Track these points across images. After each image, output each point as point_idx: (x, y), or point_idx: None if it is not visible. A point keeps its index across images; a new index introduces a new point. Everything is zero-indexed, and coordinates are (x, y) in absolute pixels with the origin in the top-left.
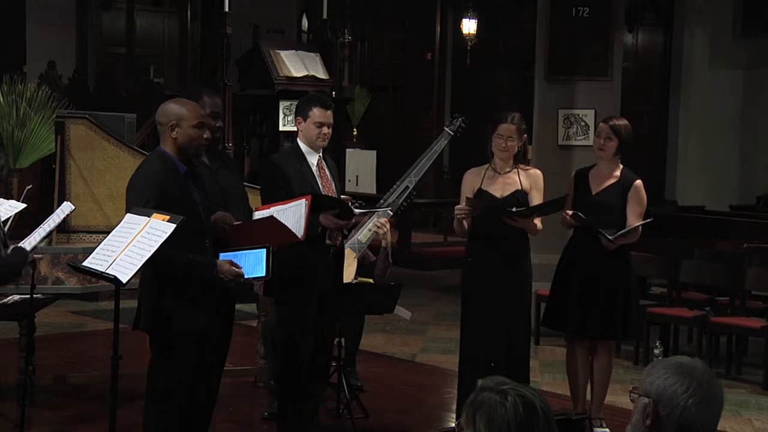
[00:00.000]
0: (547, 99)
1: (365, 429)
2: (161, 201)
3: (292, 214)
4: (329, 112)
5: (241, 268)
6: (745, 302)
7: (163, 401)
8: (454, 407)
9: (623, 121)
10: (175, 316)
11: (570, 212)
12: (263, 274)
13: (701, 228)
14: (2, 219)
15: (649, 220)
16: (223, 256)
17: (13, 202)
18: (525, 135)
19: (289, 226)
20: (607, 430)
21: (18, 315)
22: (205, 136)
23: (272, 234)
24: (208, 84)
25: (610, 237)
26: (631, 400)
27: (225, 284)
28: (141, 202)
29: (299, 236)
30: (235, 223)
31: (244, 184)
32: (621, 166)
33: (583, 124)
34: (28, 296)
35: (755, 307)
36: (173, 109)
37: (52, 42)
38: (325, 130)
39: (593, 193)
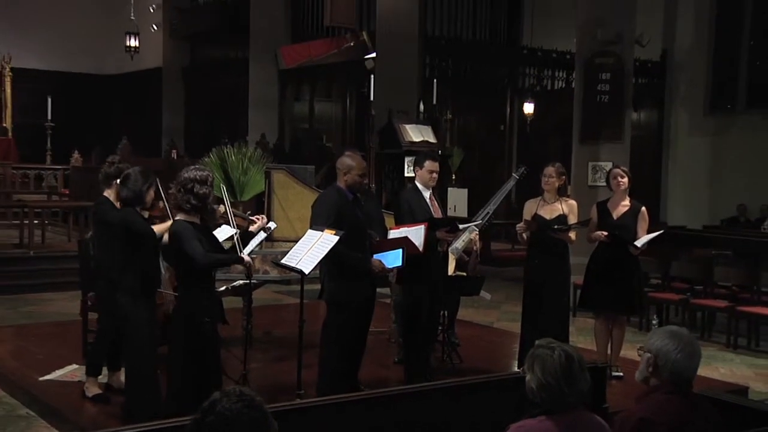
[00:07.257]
0: (581, 155)
1: (461, 369)
2: (338, 217)
3: (415, 234)
4: (437, 163)
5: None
6: (713, 290)
7: (334, 347)
8: (517, 357)
9: (626, 167)
10: (345, 290)
11: (605, 233)
12: (401, 263)
13: (684, 240)
14: (224, 238)
15: (661, 231)
16: (376, 256)
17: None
18: (564, 176)
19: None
20: (622, 374)
21: (242, 293)
22: (365, 181)
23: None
24: (358, 147)
25: (638, 246)
26: (639, 355)
27: (374, 273)
28: (325, 217)
29: (420, 250)
30: (377, 239)
31: (382, 210)
32: (628, 197)
33: (604, 171)
34: (248, 281)
35: (720, 293)
36: (348, 161)
37: (263, 121)
38: (435, 175)
39: (614, 218)
